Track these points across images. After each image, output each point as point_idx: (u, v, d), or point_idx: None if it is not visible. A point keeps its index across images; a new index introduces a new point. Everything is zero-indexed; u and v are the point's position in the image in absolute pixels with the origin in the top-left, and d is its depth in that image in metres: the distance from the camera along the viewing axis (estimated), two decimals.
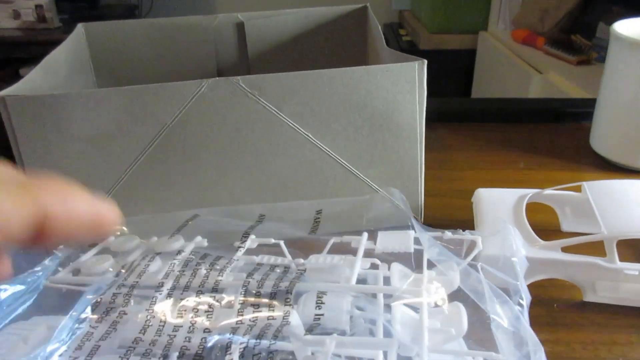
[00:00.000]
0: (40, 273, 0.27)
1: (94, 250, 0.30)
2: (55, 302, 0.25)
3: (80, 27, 0.44)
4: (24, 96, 0.29)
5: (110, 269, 0.28)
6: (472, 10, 1.55)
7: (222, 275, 0.25)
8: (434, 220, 0.38)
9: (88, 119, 0.30)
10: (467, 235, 0.30)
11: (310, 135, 0.33)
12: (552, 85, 1.08)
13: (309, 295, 0.24)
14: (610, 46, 0.43)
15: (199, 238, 0.30)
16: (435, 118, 0.35)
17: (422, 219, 0.37)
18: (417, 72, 0.31)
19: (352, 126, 0.33)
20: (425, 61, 0.31)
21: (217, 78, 0.30)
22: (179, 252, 0.29)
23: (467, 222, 0.36)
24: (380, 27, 0.42)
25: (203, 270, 0.26)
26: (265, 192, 0.34)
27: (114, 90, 0.30)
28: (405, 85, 0.32)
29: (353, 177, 0.34)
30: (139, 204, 0.34)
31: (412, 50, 1.63)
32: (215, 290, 0.24)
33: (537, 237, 0.31)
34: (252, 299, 0.23)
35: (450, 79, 1.63)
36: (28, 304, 0.25)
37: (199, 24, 0.46)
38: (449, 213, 0.40)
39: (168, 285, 0.25)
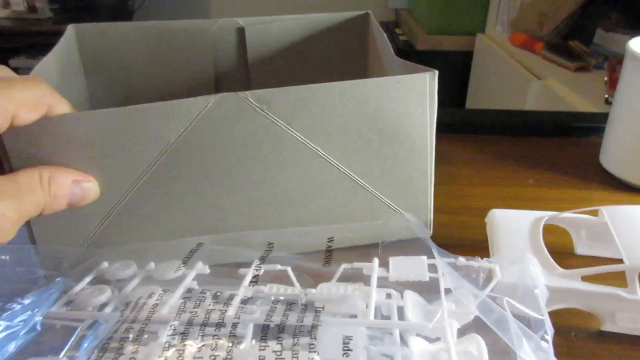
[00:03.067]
0: (36, 310, 0.25)
1: (88, 278, 0.28)
2: (52, 340, 0.24)
3: (71, 29, 0.42)
4: None
5: (107, 303, 0.27)
6: (469, 11, 1.54)
7: (237, 315, 0.23)
8: (446, 238, 0.37)
9: (88, 140, 0.28)
10: (484, 262, 0.29)
11: (320, 149, 0.31)
12: (550, 91, 1.08)
13: (327, 334, 0.22)
14: (625, 63, 0.42)
15: (199, 265, 0.29)
16: (441, 130, 0.34)
17: (432, 235, 0.36)
18: (428, 83, 0.30)
19: (362, 139, 0.31)
20: (437, 72, 0.30)
21: (225, 94, 0.29)
22: (182, 281, 0.28)
23: (480, 242, 0.35)
24: (385, 35, 0.40)
25: (215, 307, 0.24)
26: (272, 208, 0.33)
27: (116, 110, 0.28)
28: (417, 96, 0.30)
29: (362, 190, 0.33)
30: (142, 223, 0.32)
31: (409, 50, 1.62)
32: (234, 332, 0.22)
33: (556, 264, 0.30)
34: (274, 346, 0.21)
35: (447, 80, 1.62)
36: (22, 343, 0.23)
37: (197, 28, 0.45)
38: (460, 232, 0.38)
39: (180, 327, 0.23)
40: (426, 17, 1.60)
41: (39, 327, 0.24)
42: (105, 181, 0.30)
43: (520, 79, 1.20)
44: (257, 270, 0.28)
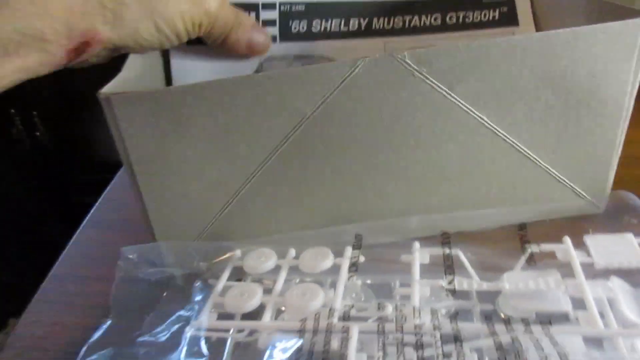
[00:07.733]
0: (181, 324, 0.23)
1: (226, 274, 0.25)
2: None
3: None
4: (133, 93, 0.23)
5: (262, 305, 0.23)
6: None
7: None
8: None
9: (212, 114, 0.24)
10: None
11: (485, 118, 0.26)
12: None
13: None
14: None
15: (349, 251, 0.25)
16: None
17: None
18: None
19: (540, 105, 0.26)
20: None
21: (377, 56, 0.23)
22: (335, 273, 0.24)
23: None
24: None
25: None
26: (421, 187, 0.28)
27: (245, 78, 0.23)
28: (622, 50, 0.24)
29: (530, 163, 0.28)
30: (269, 210, 0.28)
31: None
32: None
33: None
34: None
35: None
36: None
37: None
38: None
39: None
40: None
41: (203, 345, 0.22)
42: (228, 161, 0.26)
43: None
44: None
